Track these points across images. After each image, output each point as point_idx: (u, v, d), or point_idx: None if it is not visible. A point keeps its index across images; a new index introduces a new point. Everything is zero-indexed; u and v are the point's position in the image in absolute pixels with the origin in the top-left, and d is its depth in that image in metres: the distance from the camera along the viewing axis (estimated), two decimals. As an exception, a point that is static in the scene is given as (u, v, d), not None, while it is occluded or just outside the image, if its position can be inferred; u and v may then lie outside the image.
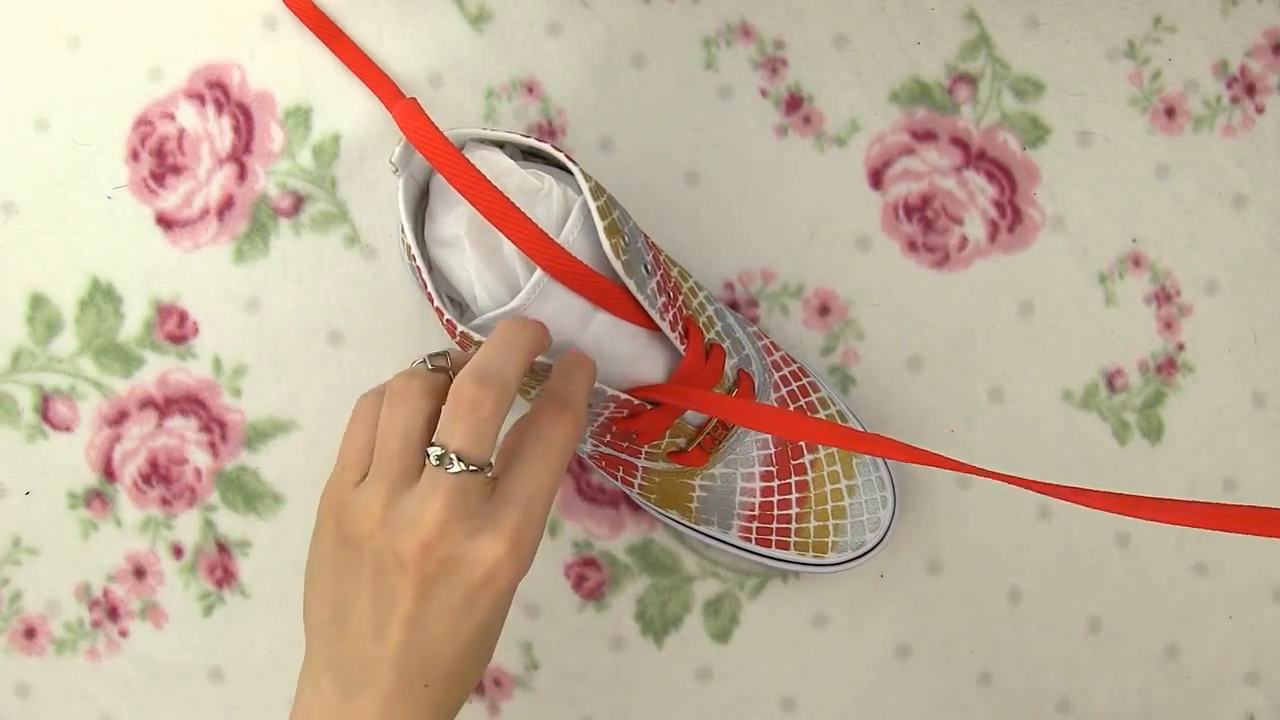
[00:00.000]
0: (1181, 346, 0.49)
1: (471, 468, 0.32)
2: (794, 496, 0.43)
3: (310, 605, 0.35)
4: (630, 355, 0.39)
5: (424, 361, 0.36)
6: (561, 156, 0.38)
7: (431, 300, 0.39)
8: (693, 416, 0.42)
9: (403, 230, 0.39)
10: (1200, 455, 0.49)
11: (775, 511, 0.43)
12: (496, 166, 0.38)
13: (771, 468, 0.43)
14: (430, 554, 0.32)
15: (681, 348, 0.39)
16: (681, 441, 0.42)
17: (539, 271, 0.36)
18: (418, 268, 0.39)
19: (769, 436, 0.43)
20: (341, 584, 0.34)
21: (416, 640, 0.33)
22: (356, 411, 0.36)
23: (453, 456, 0.32)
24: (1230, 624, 0.49)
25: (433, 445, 0.32)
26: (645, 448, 0.42)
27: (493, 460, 0.33)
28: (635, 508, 0.48)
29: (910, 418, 0.48)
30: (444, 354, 0.36)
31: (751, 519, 0.44)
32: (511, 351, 0.34)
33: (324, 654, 0.35)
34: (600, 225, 0.36)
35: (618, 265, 0.36)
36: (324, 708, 0.34)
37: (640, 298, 0.37)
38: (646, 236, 0.41)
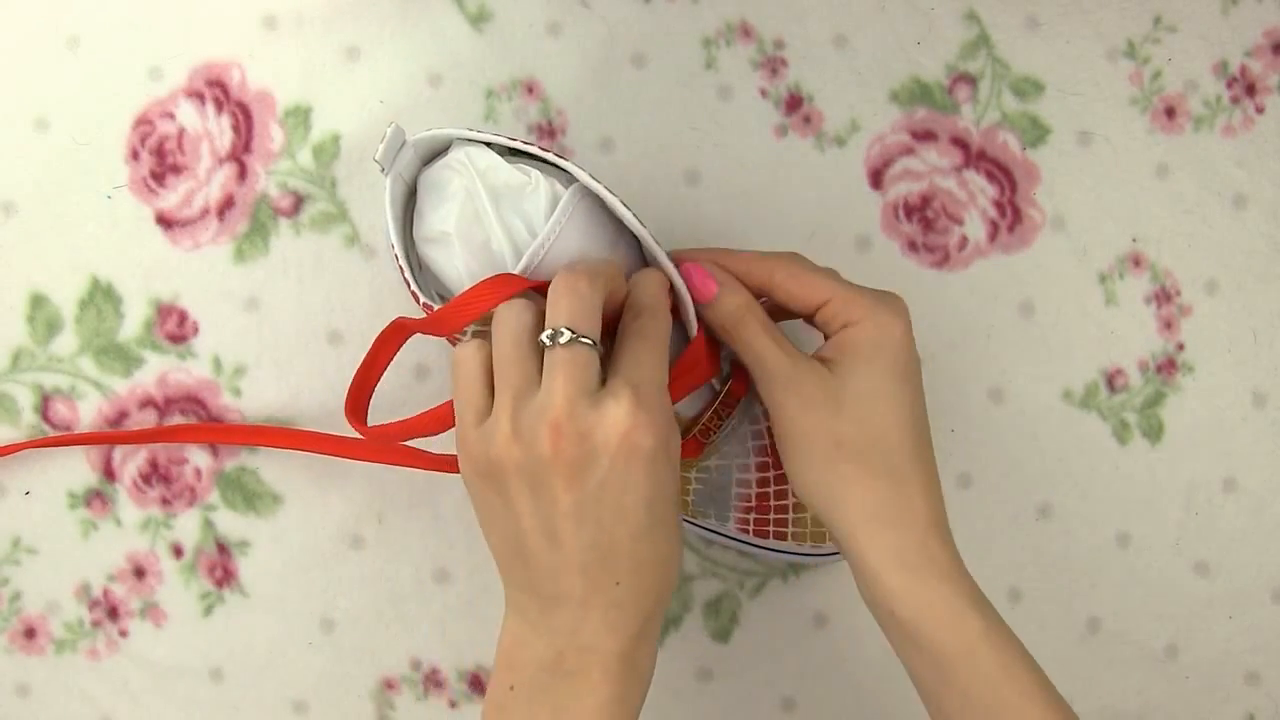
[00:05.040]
0: (1181, 346, 0.49)
1: (583, 339, 0.33)
2: (790, 486, 0.43)
3: (495, 553, 0.36)
4: None
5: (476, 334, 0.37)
6: (551, 155, 0.38)
7: (417, 299, 0.39)
8: (685, 408, 0.42)
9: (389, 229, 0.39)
10: (1200, 455, 0.49)
11: (772, 502, 0.44)
12: (483, 162, 0.38)
13: (767, 458, 0.43)
14: (563, 435, 0.33)
15: (694, 328, 0.39)
16: None
17: (524, 260, 0.37)
18: (401, 266, 0.39)
19: (764, 426, 0.43)
20: (506, 513, 0.35)
21: (588, 533, 0.34)
22: (458, 361, 0.36)
23: (564, 330, 0.33)
24: (1230, 624, 0.49)
25: (543, 333, 0.34)
26: None
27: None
28: (635, 508, 0.48)
29: (910, 418, 0.48)
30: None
31: (748, 510, 0.44)
32: (598, 265, 0.36)
33: (517, 583, 0.36)
34: (614, 199, 0.37)
35: (644, 233, 0.38)
36: (531, 628, 0.35)
37: (669, 268, 0.38)
38: None
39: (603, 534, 0.34)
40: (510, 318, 0.35)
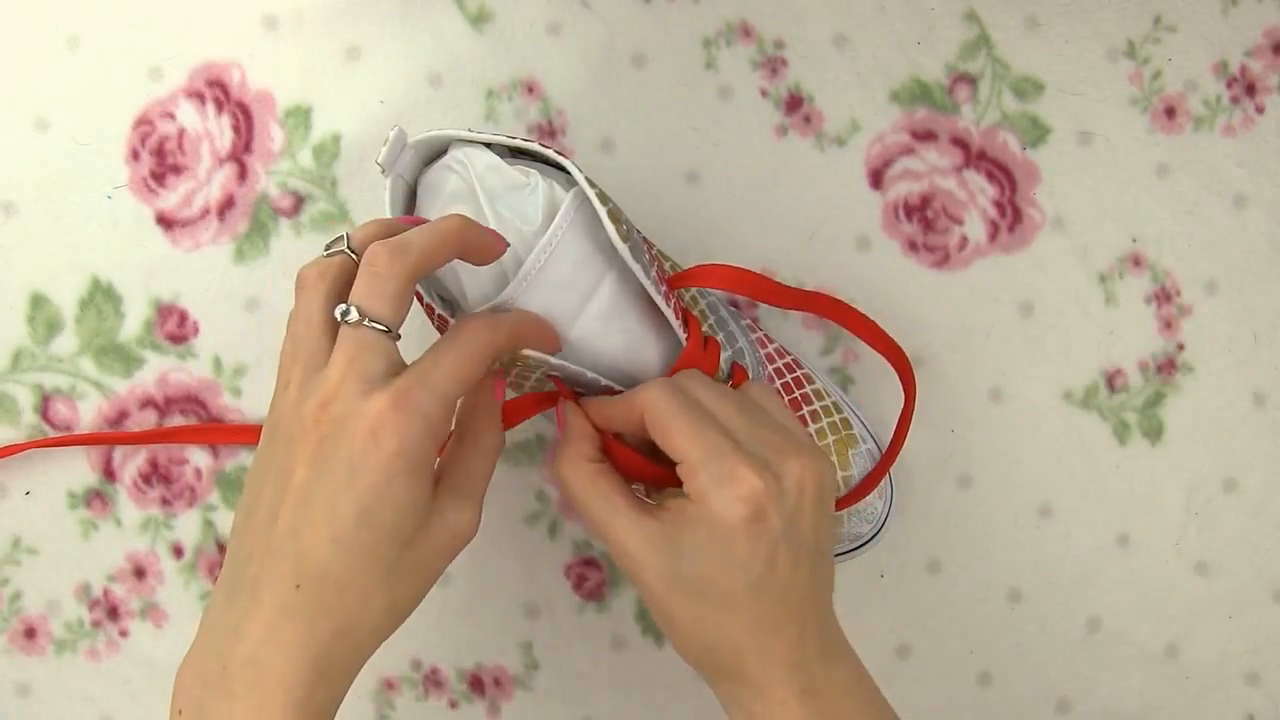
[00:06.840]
0: (1181, 346, 0.49)
1: (373, 323, 0.32)
2: None
3: (235, 514, 0.34)
4: (623, 350, 0.39)
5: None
6: (551, 153, 0.38)
7: (420, 298, 0.39)
8: None
9: None
10: (1200, 455, 0.49)
11: None
12: (481, 162, 0.38)
13: None
14: (326, 412, 0.31)
15: (683, 336, 0.39)
16: None
17: (526, 265, 0.36)
18: None
19: None
20: (260, 475, 0.33)
21: (297, 518, 0.31)
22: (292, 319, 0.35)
23: (353, 309, 0.32)
24: (1230, 624, 0.49)
25: (339, 306, 0.32)
26: None
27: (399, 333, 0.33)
28: (635, 508, 0.48)
29: (910, 418, 0.48)
30: (341, 237, 0.35)
31: None
32: (427, 230, 0.33)
33: (227, 562, 0.33)
34: (603, 210, 0.36)
35: (624, 250, 0.36)
36: (210, 631, 0.32)
37: (646, 283, 0.37)
38: (638, 231, 0.41)
39: (306, 525, 0.31)
40: (308, 287, 0.34)
